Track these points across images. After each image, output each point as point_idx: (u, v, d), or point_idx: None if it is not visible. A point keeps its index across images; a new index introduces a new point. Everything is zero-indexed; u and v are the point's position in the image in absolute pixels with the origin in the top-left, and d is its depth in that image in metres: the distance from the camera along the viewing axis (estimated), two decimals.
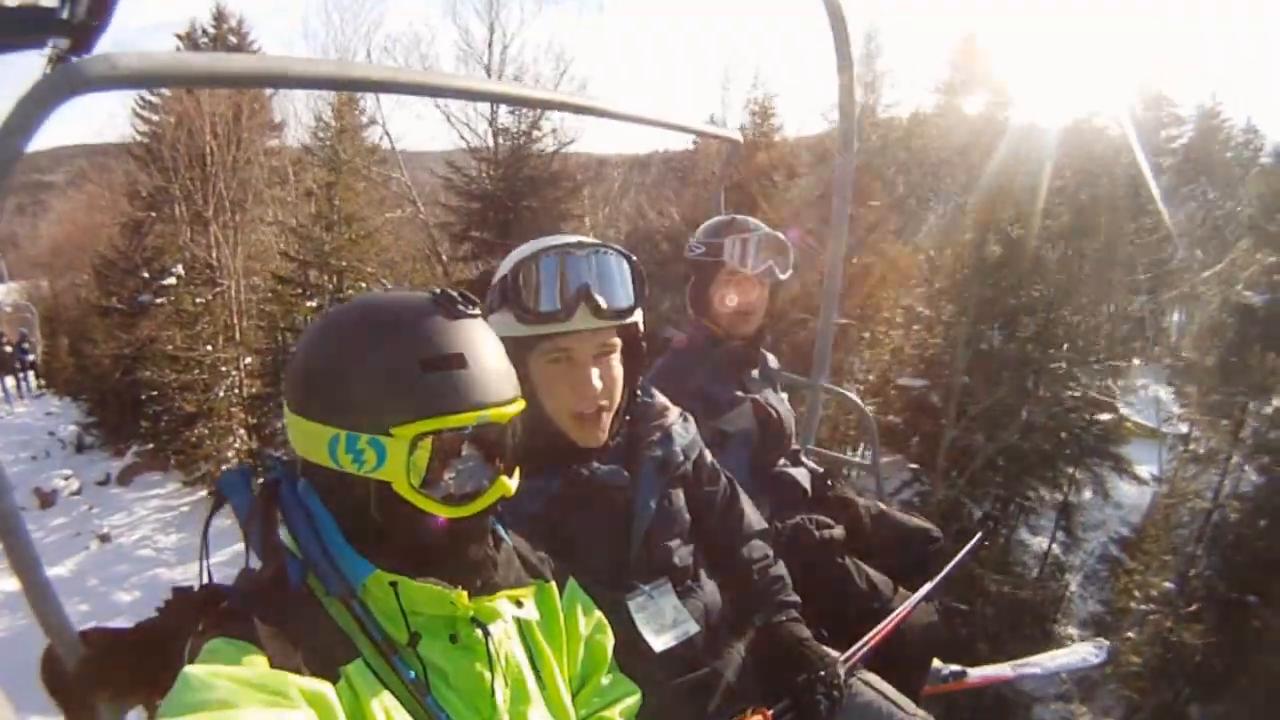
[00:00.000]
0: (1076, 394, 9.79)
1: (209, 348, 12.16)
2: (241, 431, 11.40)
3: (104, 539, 11.70)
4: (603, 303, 1.21)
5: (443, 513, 0.84)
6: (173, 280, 13.95)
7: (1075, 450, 9.91)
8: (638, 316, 1.28)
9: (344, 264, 9.36)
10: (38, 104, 0.95)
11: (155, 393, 13.12)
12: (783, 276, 1.95)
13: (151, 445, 13.90)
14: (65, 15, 0.95)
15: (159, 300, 14.16)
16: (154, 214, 15.54)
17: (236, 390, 11.57)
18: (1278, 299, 9.49)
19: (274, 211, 11.49)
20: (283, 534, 0.88)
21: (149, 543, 11.43)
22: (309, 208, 10.07)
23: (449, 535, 0.87)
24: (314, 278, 9.47)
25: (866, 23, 15.38)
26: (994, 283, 9.38)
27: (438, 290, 0.91)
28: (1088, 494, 10.29)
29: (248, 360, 11.76)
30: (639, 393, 1.37)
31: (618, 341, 1.27)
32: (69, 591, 10.00)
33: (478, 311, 0.91)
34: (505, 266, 1.25)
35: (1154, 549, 8.92)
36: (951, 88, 16.05)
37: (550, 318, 1.20)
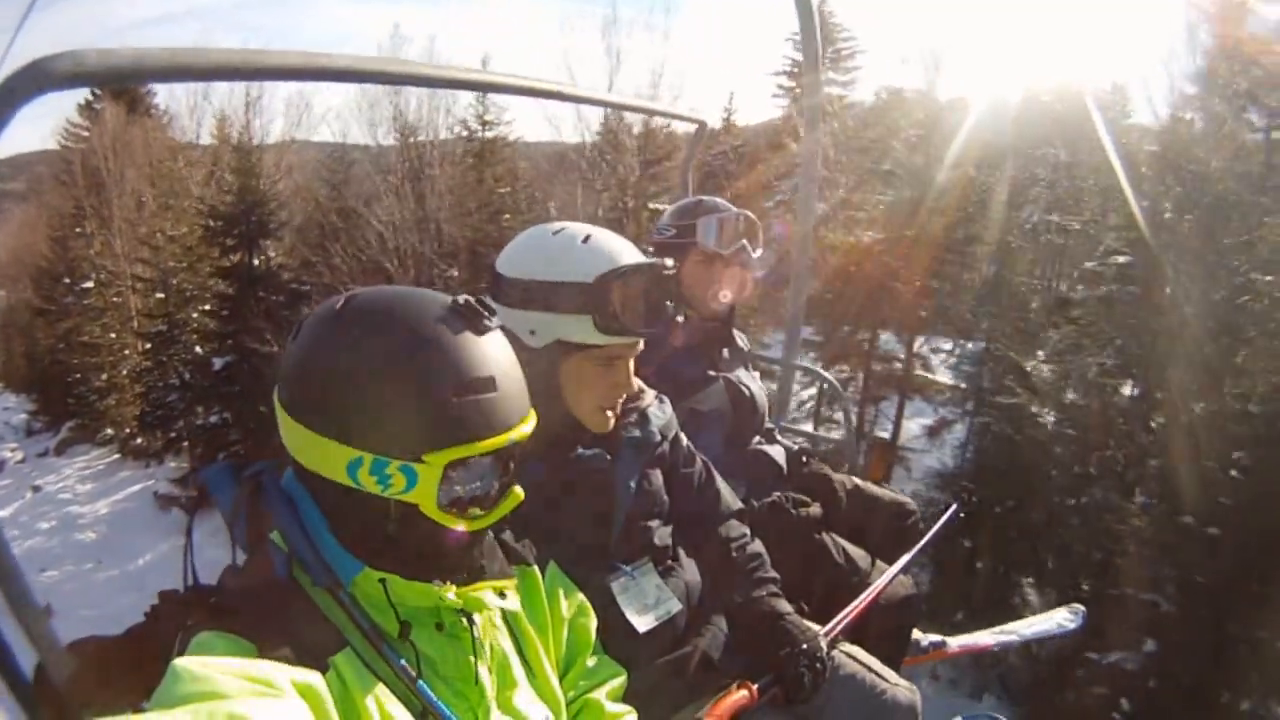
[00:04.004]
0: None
1: (113, 336, 15.29)
2: (137, 400, 14.50)
3: (35, 489, 14.87)
4: (677, 319, 1.35)
5: (466, 527, 0.86)
6: (90, 284, 16.97)
7: None
8: None
9: (183, 264, 12.51)
10: (4, 103, 0.90)
11: (78, 375, 16.29)
12: (755, 255, 1.97)
13: (79, 421, 17.06)
14: None
15: (84, 301, 17.26)
16: (79, 229, 18.58)
17: (135, 370, 14.66)
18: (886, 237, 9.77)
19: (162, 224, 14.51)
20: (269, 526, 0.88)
21: (69, 490, 14.57)
22: (157, 224, 13.28)
23: (463, 542, 0.89)
24: (169, 278, 12.68)
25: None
26: None
27: (460, 300, 0.90)
28: None
29: (147, 345, 14.80)
30: None
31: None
32: (5, 526, 13.07)
33: (499, 322, 0.92)
34: (578, 271, 1.23)
35: None
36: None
37: (640, 333, 1.25)
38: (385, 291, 0.91)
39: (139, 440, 14.87)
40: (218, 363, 11.08)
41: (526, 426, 0.89)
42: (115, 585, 10.62)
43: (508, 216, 10.35)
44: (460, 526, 0.86)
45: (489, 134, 11.66)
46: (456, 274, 9.40)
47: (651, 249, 1.93)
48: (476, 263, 9.41)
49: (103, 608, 9.21)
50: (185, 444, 12.58)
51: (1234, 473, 6.41)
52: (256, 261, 11.00)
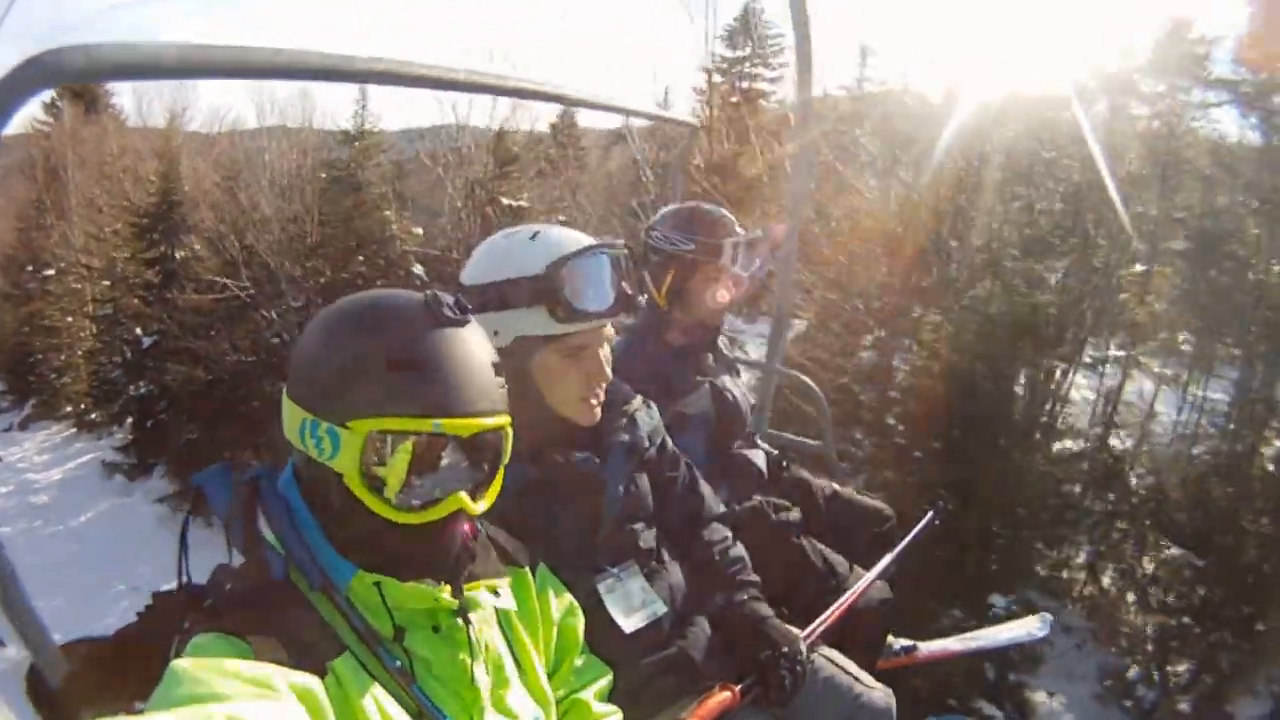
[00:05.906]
0: None
1: (69, 319, 16.65)
2: (90, 377, 15.85)
3: None
4: (638, 299, 1.31)
5: (385, 514, 0.85)
6: (51, 271, 18.26)
7: None
8: None
9: (127, 254, 13.93)
10: (9, 95, 0.88)
11: (40, 356, 17.63)
12: (763, 271, 2.05)
13: (40, 398, 18.39)
14: None
15: (46, 288, 18.56)
16: (40, 221, 19.84)
17: (88, 351, 16.02)
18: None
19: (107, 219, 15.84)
20: (264, 529, 0.89)
21: (27, 460, 15.93)
22: (103, 220, 14.75)
23: (402, 535, 0.87)
24: (114, 267, 14.14)
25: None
26: None
27: (429, 293, 0.91)
28: None
29: (99, 328, 16.14)
30: None
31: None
32: None
33: (468, 318, 0.91)
34: (528, 265, 1.26)
35: None
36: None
37: (597, 316, 1.26)
38: (374, 290, 0.97)
39: (93, 415, 16.21)
40: (145, 341, 12.55)
41: (480, 420, 0.87)
42: (58, 538, 12.02)
43: (389, 213, 11.29)
44: (380, 511, 0.85)
45: (365, 141, 12.69)
46: (315, 265, 10.66)
47: (658, 258, 1.96)
48: (337, 260, 10.65)
49: (44, 555, 10.66)
50: (130, 419, 13.94)
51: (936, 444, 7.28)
52: (180, 254, 12.49)
